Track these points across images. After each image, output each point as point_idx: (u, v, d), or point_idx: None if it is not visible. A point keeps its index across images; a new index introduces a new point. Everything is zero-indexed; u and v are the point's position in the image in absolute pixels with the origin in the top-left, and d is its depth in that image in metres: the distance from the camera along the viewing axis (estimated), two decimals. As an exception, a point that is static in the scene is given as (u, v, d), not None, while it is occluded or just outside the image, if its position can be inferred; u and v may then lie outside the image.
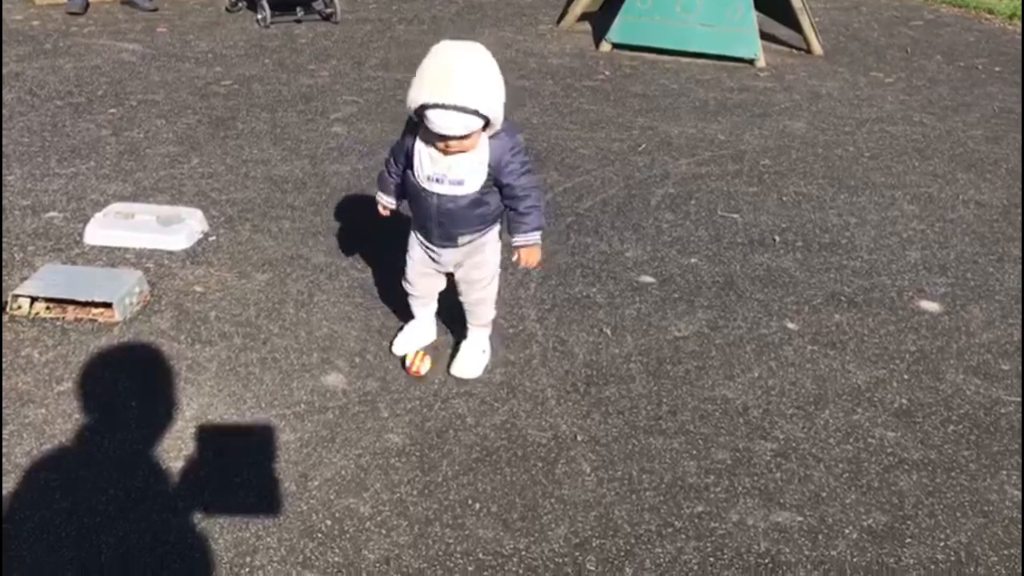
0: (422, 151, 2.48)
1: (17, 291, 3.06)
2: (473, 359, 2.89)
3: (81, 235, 3.55)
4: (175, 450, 2.50)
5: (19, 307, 3.04)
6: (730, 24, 6.23)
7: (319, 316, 3.14)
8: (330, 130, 4.82)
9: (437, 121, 2.29)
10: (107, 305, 3.04)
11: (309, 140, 4.66)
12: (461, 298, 2.84)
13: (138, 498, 2.32)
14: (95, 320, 3.02)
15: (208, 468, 2.44)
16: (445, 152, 2.41)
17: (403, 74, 5.33)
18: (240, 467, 2.45)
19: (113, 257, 3.43)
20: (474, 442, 2.60)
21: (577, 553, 2.24)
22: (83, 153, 4.36)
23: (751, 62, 6.33)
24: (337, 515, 2.32)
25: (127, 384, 2.75)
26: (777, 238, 3.88)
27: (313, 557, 2.19)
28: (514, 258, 2.64)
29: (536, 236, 2.61)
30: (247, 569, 2.14)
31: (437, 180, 2.50)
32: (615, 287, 3.43)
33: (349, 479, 2.44)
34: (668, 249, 3.74)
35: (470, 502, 2.39)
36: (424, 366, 2.83)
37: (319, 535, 2.25)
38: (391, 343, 2.96)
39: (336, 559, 2.19)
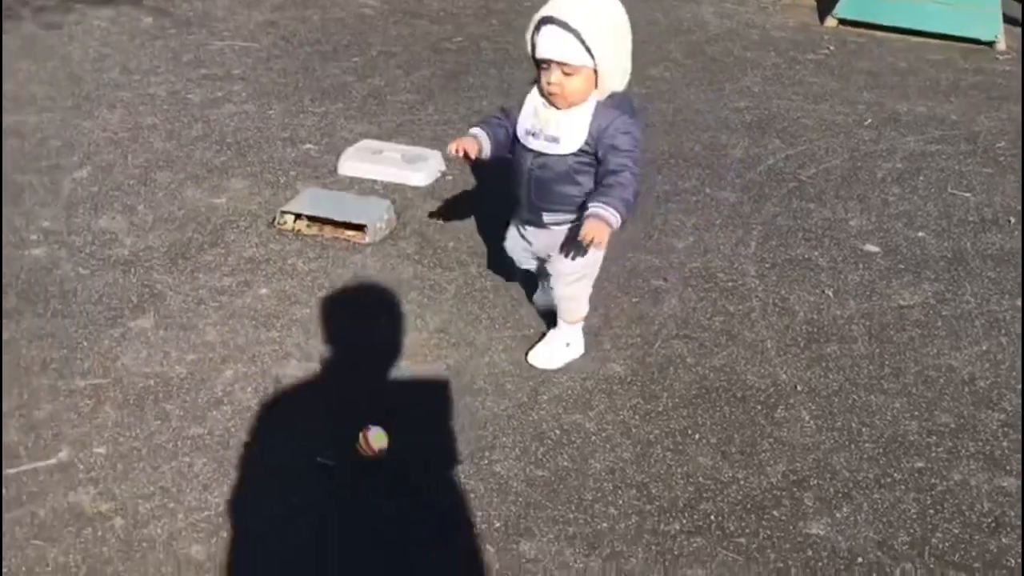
0: (529, 102, 2.39)
1: (284, 208, 3.42)
2: (553, 349, 2.69)
3: (335, 166, 3.89)
4: (420, 355, 2.75)
5: (284, 222, 3.40)
6: (970, 3, 5.94)
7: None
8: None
9: (542, 40, 2.21)
10: (360, 227, 3.35)
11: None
12: (551, 286, 2.65)
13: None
14: (348, 240, 3.33)
15: (448, 374, 2.67)
16: (548, 94, 2.29)
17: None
18: (476, 376, 2.67)
19: (363, 187, 3.75)
20: (693, 380, 2.71)
21: (795, 489, 2.32)
22: (332, 95, 4.75)
23: (990, 44, 6.01)
24: (565, 427, 2.49)
25: (378, 296, 3.04)
26: (1012, 219, 3.73)
27: (544, 459, 2.38)
28: (582, 232, 2.25)
29: (610, 213, 2.23)
30: (486, 461, 2.36)
31: (533, 134, 2.38)
32: (838, 253, 3.43)
33: (575, 398, 2.61)
34: (894, 221, 3.69)
35: (690, 432, 2.50)
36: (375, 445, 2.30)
37: (549, 441, 2.44)
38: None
39: (565, 463, 2.37)
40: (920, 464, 2.42)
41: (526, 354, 2.74)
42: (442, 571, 2.06)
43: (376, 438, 2.27)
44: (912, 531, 2.21)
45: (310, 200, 3.50)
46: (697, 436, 2.49)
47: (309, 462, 2.31)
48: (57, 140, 4.02)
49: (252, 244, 3.31)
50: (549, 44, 2.20)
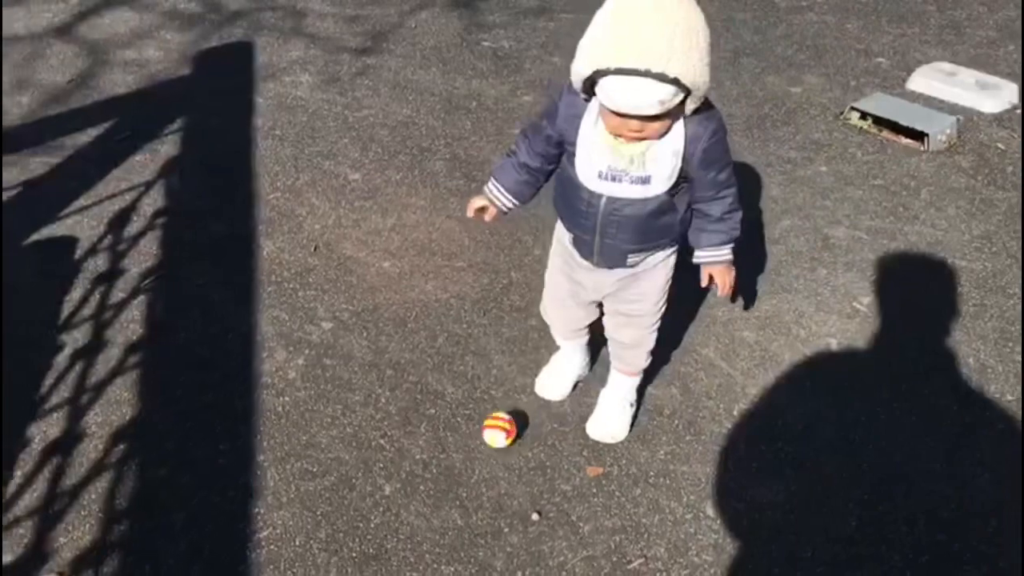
0: (591, 137, 1.80)
1: (853, 104, 3.75)
2: (615, 416, 2.23)
3: (904, 80, 4.11)
4: (960, 253, 2.97)
5: (850, 118, 3.74)
6: None
7: None
8: None
9: (619, 95, 1.63)
10: (920, 136, 3.57)
11: None
12: (609, 334, 2.19)
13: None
14: (905, 145, 3.58)
15: (985, 275, 2.86)
16: (618, 135, 1.75)
17: None
18: (1016, 287, 2.83)
19: (929, 103, 3.93)
20: None
21: None
22: (909, 20, 4.89)
23: None
24: None
25: (926, 194, 3.27)
26: None
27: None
28: (703, 281, 2.00)
29: (728, 251, 1.96)
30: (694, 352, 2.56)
31: (613, 178, 1.81)
32: None
33: None
34: None
35: None
36: (499, 440, 2.16)
37: None
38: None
39: None
40: None
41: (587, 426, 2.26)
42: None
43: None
44: None
45: (878, 103, 3.79)
46: None
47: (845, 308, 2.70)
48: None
49: (819, 130, 3.71)
50: (632, 101, 1.63)
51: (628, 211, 1.85)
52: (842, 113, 3.79)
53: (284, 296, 2.64)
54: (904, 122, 3.64)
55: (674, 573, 1.91)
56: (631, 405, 2.25)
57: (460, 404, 2.30)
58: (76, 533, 1.91)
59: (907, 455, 2.21)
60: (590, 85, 1.69)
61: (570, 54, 1.69)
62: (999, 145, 3.62)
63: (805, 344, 2.56)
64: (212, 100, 3.70)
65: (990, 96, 3.91)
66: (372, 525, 1.98)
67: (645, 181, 1.80)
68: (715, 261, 1.96)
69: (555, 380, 2.32)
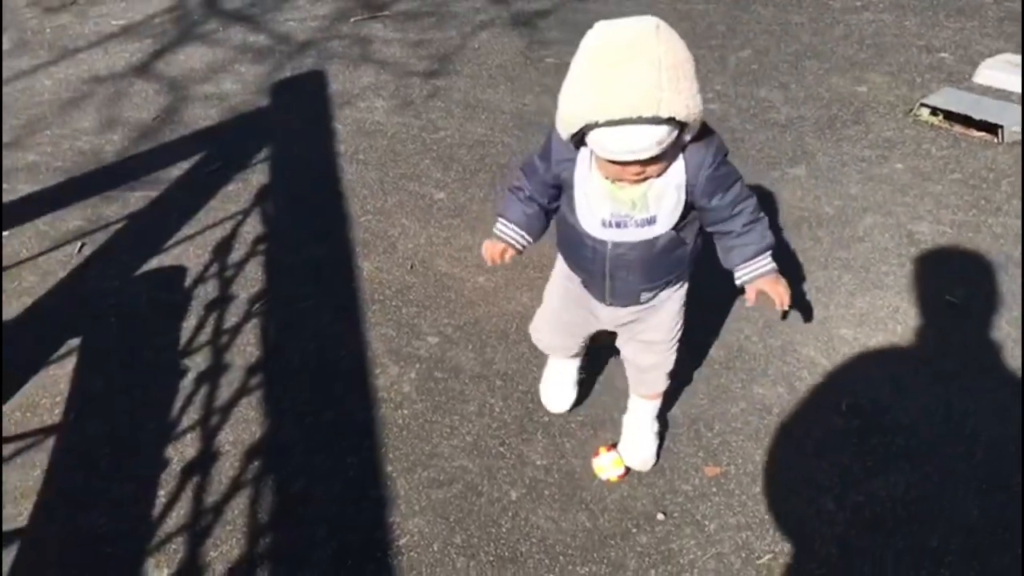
0: (587, 185, 1.74)
1: (923, 101, 3.77)
2: (645, 443, 2.16)
3: (969, 74, 4.12)
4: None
5: (920, 114, 3.76)
6: None
7: None
8: None
9: (612, 144, 1.57)
10: (993, 129, 3.58)
11: None
12: (627, 358, 2.13)
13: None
14: (978, 138, 3.59)
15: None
16: (619, 180, 1.69)
17: None
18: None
19: (998, 95, 3.94)
20: None
21: None
22: (967, 14, 4.90)
23: None
24: None
25: (1007, 187, 3.28)
26: None
27: None
28: (748, 301, 1.88)
29: (768, 259, 1.84)
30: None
31: (618, 224, 1.75)
32: None
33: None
34: None
35: None
36: (613, 471, 2.13)
37: None
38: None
39: None
40: None
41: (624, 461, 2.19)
42: None
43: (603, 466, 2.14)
44: None
45: (947, 98, 3.81)
46: None
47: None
48: (722, 26, 4.79)
49: (890, 128, 3.73)
50: (627, 148, 1.57)
51: (635, 254, 1.79)
52: (912, 110, 3.82)
53: (388, 313, 2.73)
54: (976, 116, 3.66)
55: (804, 567, 1.95)
56: (655, 432, 2.19)
57: (571, 411, 2.36)
58: (224, 547, 2.00)
59: (1020, 444, 2.22)
60: (580, 137, 1.63)
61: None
62: (1075, 134, 3.62)
63: (903, 339, 2.59)
64: (293, 128, 3.82)
65: (1061, 85, 3.90)
66: (504, 529, 2.05)
67: (651, 222, 1.74)
68: (756, 274, 1.83)
69: (558, 390, 2.28)
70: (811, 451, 2.23)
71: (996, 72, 4.07)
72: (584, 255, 1.83)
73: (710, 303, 2.62)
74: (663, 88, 1.48)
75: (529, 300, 2.78)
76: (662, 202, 1.71)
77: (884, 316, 2.68)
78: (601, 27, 1.57)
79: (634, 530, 2.04)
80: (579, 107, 1.55)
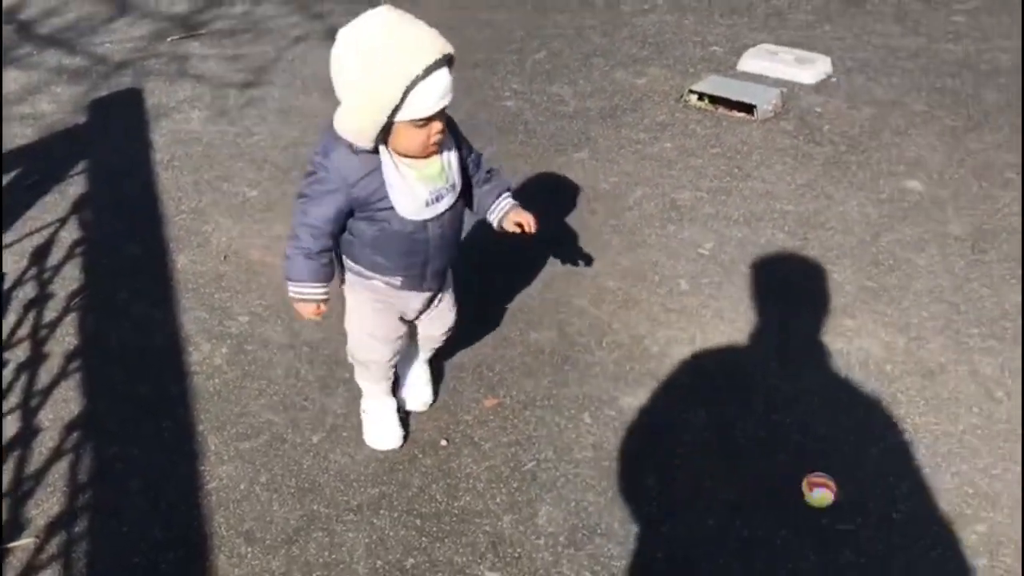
0: (403, 179, 1.90)
1: (692, 87, 4.28)
2: (429, 389, 2.50)
3: (736, 63, 4.68)
4: (786, 199, 3.49)
5: (689, 99, 4.26)
6: None
7: (910, 143, 3.87)
8: (951, 19, 5.31)
9: (435, 90, 1.75)
10: (750, 109, 4.11)
11: (929, 24, 5.22)
12: (424, 335, 2.36)
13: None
14: (738, 117, 4.11)
15: (807, 214, 3.38)
16: (429, 148, 1.87)
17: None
18: (829, 218, 3.35)
19: (757, 80, 4.49)
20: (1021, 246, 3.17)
21: None
22: (739, 11, 5.50)
23: None
24: (898, 258, 3.11)
25: (757, 156, 3.79)
26: None
27: (874, 273, 3.03)
28: (512, 228, 2.14)
29: (510, 196, 2.17)
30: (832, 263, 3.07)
31: (437, 199, 1.96)
32: None
33: (910, 244, 3.20)
34: None
35: (1008, 279, 3.00)
36: (824, 498, 2.16)
37: (887, 263, 3.08)
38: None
39: (892, 281, 3.00)
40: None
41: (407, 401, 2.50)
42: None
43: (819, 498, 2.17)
44: None
45: (712, 84, 4.33)
46: (1013, 282, 2.98)
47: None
48: (521, 31, 5.22)
49: (662, 113, 4.21)
50: (441, 90, 1.77)
51: (448, 227, 2.01)
52: (682, 96, 4.31)
53: (202, 299, 2.96)
54: (735, 97, 4.18)
55: (561, 468, 2.31)
56: (430, 374, 2.49)
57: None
58: (46, 506, 2.19)
59: (749, 359, 2.67)
60: (384, 136, 1.80)
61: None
62: (816, 109, 4.19)
63: (659, 286, 3.02)
64: (111, 142, 3.98)
65: (807, 69, 4.49)
66: (305, 467, 2.33)
67: (455, 187, 1.98)
68: (505, 211, 2.11)
69: (387, 427, 2.35)
70: (575, 381, 2.60)
71: (755, 60, 4.62)
72: (410, 249, 1.99)
73: (496, 267, 2.97)
74: (434, 31, 1.75)
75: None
76: (454, 166, 1.97)
77: (645, 269, 3.10)
78: (349, 29, 1.77)
79: (420, 455, 2.36)
80: (389, 83, 1.70)
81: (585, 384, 2.59)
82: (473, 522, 2.16)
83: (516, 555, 2.08)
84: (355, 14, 1.81)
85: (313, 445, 2.40)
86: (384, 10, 1.76)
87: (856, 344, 2.71)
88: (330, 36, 1.76)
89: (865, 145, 3.87)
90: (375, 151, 1.86)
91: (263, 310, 2.92)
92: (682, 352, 2.71)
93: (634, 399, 2.53)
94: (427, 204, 1.94)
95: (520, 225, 2.12)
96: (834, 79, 4.51)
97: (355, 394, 2.50)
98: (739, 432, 2.42)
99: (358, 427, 2.44)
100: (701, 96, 4.27)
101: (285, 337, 2.80)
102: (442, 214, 1.98)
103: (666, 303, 2.93)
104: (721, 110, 4.22)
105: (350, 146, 1.84)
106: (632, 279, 3.05)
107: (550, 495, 2.23)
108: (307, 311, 2.03)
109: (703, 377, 2.62)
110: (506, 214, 2.14)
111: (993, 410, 2.46)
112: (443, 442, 2.39)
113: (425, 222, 1.96)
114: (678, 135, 4.01)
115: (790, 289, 3.00)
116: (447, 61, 1.76)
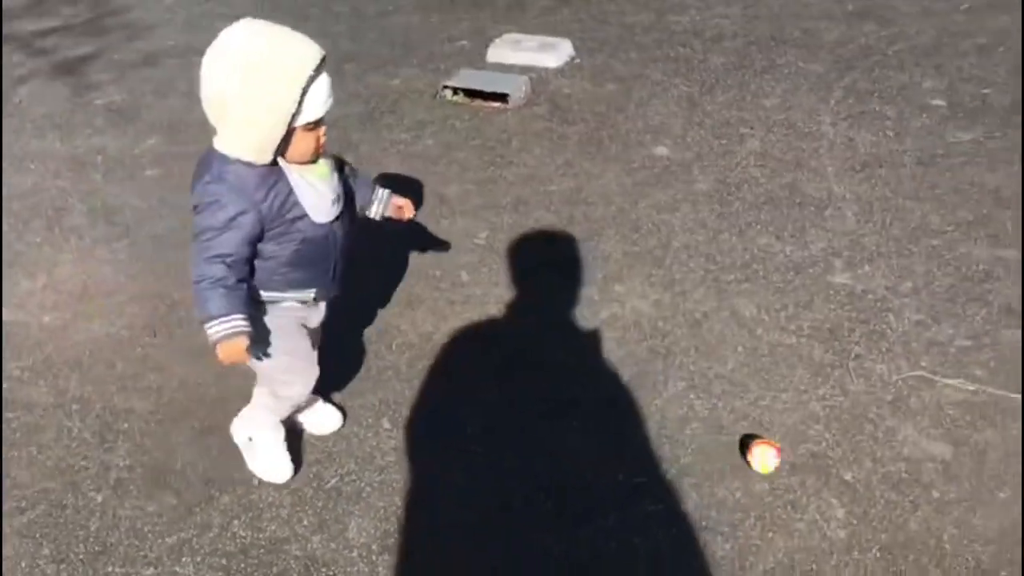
0: (308, 186, 1.89)
1: (445, 83, 4.35)
2: (333, 411, 2.46)
3: (484, 54, 4.79)
4: (548, 179, 3.62)
5: (445, 95, 4.33)
6: None
7: (653, 112, 4.12)
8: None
9: (326, 89, 1.80)
10: (503, 98, 4.23)
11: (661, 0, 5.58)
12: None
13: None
14: (494, 107, 4.23)
15: (569, 192, 3.53)
16: (320, 150, 1.89)
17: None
18: (589, 193, 3.52)
19: (506, 69, 4.62)
20: (761, 192, 3.46)
21: (829, 257, 3.05)
22: (481, 4, 5.64)
23: None
24: (655, 222, 3.31)
25: (517, 142, 3.92)
26: (1078, 76, 4.20)
27: (639, 240, 3.21)
28: (396, 214, 2.27)
29: (381, 188, 2.26)
30: (594, 242, 3.21)
31: (338, 196, 1.99)
32: (906, 107, 4.04)
33: (665, 204, 3.41)
34: (965, 83, 4.23)
35: (754, 224, 3.27)
36: (770, 461, 2.21)
37: (643, 229, 3.26)
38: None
39: (653, 243, 3.19)
40: (935, 242, 3.10)
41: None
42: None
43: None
44: (915, 281, 2.91)
45: (465, 78, 4.41)
46: (759, 227, 3.25)
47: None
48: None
49: (421, 111, 4.26)
50: (329, 90, 1.81)
51: (347, 224, 2.03)
52: (437, 93, 4.36)
53: (-52, 373, 2.69)
54: (488, 88, 4.28)
55: (366, 478, 2.29)
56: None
57: (152, 413, 2.52)
58: None
59: (533, 337, 2.75)
60: (282, 148, 1.79)
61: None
62: (565, 91, 4.37)
63: (441, 281, 3.05)
64: None
65: (551, 54, 4.67)
66: (93, 529, 2.18)
67: (337, 188, 1.98)
68: (384, 202, 2.21)
69: (280, 460, 2.28)
70: (369, 388, 2.59)
71: (502, 50, 4.75)
72: (324, 254, 1.99)
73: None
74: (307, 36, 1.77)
75: (100, 326, 2.88)
76: (332, 167, 1.98)
77: (425, 266, 3.15)
78: (218, 49, 1.74)
79: (217, 494, 2.26)
80: (285, 90, 1.70)
81: (380, 390, 2.58)
82: (282, 550, 2.11)
83: (331, 574, 2.05)
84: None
85: (98, 505, 2.25)
86: (246, 23, 1.76)
87: (628, 306, 2.86)
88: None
89: (613, 119, 4.07)
90: (273, 163, 1.83)
91: (21, 372, 2.71)
92: (470, 341, 2.75)
93: (429, 395, 2.54)
94: (333, 203, 1.95)
95: (401, 208, 2.24)
96: (577, 60, 4.72)
97: (137, 443, 2.37)
98: (531, 407, 2.48)
99: (145, 476, 2.31)
100: (456, 91, 4.34)
101: (51, 397, 2.60)
102: (342, 211, 1.99)
103: (450, 296, 2.97)
104: (476, 102, 4.31)
105: (244, 164, 1.80)
106: (413, 278, 3.06)
107: (357, 507, 2.21)
108: (236, 349, 1.82)
109: (491, 360, 2.67)
110: (387, 202, 2.22)
111: (756, 346, 2.67)
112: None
113: (332, 223, 1.96)
114: (439, 131, 4.06)
115: (562, 265, 3.11)
116: (324, 61, 1.77)
